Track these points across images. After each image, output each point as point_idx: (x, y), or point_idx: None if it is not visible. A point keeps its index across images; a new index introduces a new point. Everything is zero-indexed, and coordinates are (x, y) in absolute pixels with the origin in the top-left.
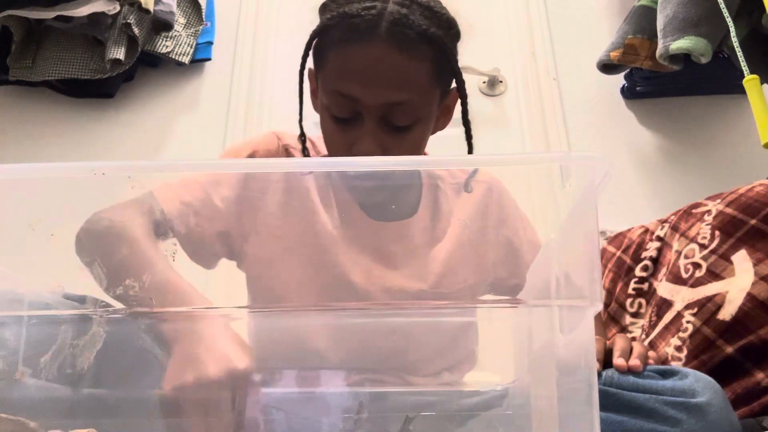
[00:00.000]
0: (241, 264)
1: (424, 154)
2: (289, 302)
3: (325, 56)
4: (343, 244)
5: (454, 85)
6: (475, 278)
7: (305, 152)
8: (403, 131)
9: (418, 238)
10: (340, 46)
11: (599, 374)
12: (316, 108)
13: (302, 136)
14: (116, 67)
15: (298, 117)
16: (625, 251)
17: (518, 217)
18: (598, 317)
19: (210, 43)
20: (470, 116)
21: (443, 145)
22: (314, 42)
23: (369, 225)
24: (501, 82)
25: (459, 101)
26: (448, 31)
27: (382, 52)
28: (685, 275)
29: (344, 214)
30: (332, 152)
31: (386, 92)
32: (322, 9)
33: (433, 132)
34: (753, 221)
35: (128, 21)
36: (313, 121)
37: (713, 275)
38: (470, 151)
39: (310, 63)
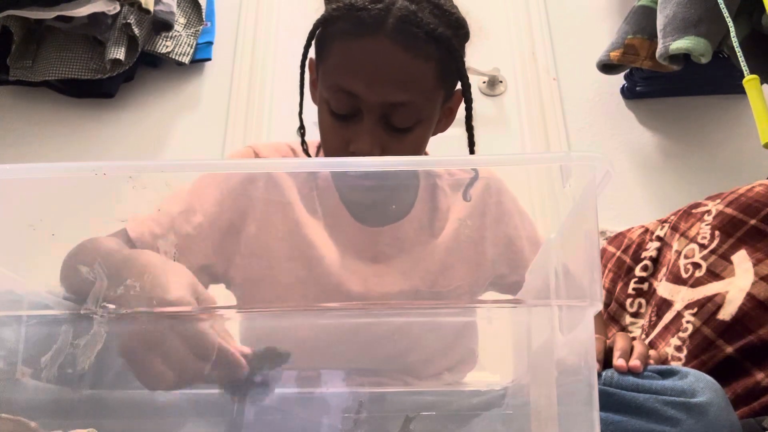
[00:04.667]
0: (228, 287)
1: (424, 153)
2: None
3: (328, 48)
4: (334, 254)
5: (458, 86)
6: (474, 276)
7: (304, 145)
8: (404, 132)
9: (414, 237)
10: (344, 39)
11: (599, 374)
12: (314, 100)
13: (301, 128)
14: (116, 67)
15: (298, 109)
16: (625, 251)
17: (517, 213)
18: (598, 316)
19: (210, 43)
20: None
21: (444, 144)
22: (317, 32)
23: (361, 231)
24: (501, 82)
25: (463, 103)
26: (456, 32)
27: (387, 49)
28: (685, 275)
29: (333, 222)
30: (328, 148)
31: (388, 91)
32: None
33: (435, 133)
34: (753, 221)
35: (128, 21)
36: (312, 121)
37: (713, 275)
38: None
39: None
